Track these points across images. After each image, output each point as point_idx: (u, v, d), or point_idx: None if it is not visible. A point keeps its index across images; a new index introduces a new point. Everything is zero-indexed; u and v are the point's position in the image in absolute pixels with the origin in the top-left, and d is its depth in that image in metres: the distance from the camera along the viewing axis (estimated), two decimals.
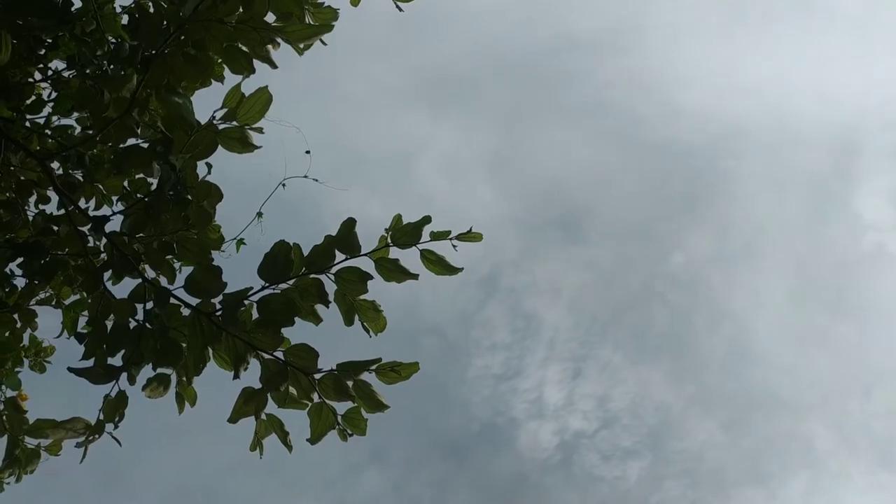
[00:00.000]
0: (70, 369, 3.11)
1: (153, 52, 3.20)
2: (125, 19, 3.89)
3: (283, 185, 4.38)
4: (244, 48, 3.15)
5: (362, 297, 3.24)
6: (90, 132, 3.79)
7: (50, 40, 3.89)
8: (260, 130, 3.20)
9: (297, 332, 3.24)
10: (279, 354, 3.16)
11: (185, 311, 3.24)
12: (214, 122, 3.19)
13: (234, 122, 3.18)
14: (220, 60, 3.47)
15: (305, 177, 4.43)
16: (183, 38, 3.06)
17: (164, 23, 3.22)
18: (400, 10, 3.75)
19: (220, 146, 3.19)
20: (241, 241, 4.36)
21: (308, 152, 4.37)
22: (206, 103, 3.51)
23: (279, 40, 3.06)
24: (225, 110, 3.19)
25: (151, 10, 3.82)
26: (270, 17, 3.27)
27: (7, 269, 3.79)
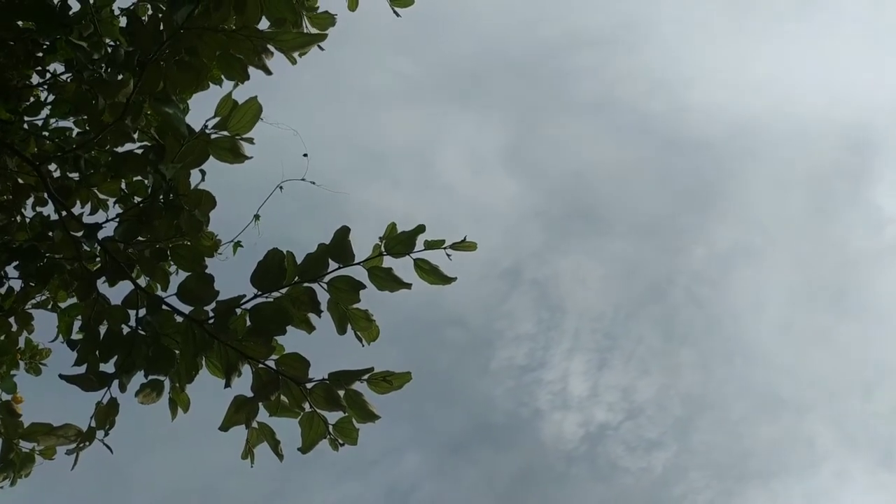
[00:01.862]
0: (62, 376, 3.10)
1: (149, 57, 3.18)
2: (123, 22, 3.89)
3: (281, 187, 4.38)
4: (238, 55, 3.13)
5: (355, 305, 3.23)
6: (88, 135, 3.78)
7: (48, 43, 3.88)
8: (251, 141, 3.18)
9: (299, 340, 3.23)
10: (271, 363, 3.15)
11: (179, 318, 3.23)
12: (207, 130, 3.18)
13: (226, 132, 3.17)
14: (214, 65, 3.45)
15: (303, 179, 4.43)
16: (176, 45, 3.04)
17: (160, 27, 3.20)
18: (397, 15, 3.73)
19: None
20: (237, 244, 4.36)
21: (305, 155, 4.37)
22: (204, 106, 3.50)
23: (272, 49, 3.04)
24: (217, 119, 3.17)
25: (150, 12, 3.82)
26: (265, 23, 3.25)
27: (4, 272, 3.79)
